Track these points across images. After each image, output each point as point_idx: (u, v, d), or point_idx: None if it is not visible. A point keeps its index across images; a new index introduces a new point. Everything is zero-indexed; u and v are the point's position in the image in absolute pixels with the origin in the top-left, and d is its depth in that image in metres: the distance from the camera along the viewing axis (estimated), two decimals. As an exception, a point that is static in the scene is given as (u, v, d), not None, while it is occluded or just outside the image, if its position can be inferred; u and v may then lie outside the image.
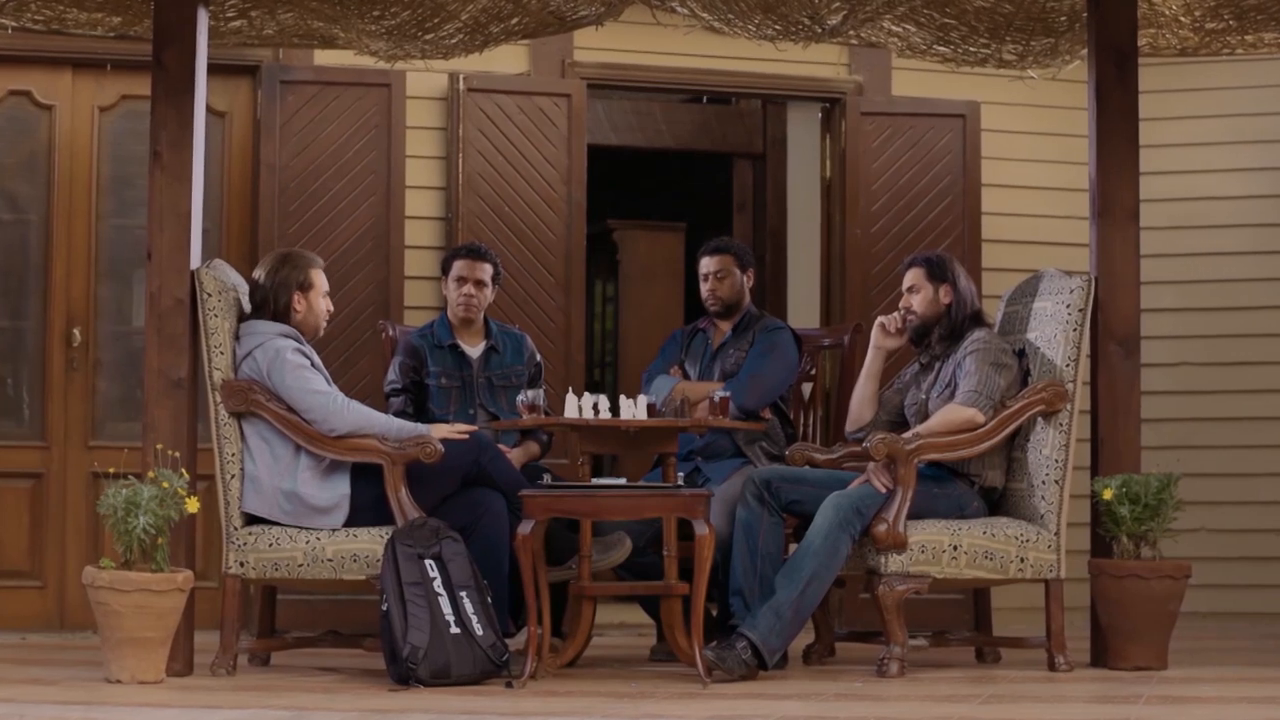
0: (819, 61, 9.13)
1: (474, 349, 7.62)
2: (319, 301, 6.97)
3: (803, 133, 10.75)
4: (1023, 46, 7.96)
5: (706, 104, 11.62)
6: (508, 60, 8.81)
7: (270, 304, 6.90)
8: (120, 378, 8.49)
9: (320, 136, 8.60)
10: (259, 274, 6.97)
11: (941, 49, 8.03)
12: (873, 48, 8.37)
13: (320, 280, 6.99)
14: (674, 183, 12.78)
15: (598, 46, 8.89)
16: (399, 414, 7.29)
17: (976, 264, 8.96)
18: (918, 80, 9.22)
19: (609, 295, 12.27)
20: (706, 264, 7.72)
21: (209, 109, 8.42)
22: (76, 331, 8.49)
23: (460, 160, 8.68)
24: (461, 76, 8.66)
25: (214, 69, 8.12)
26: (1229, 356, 9.44)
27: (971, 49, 8.01)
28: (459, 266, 7.59)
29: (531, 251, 8.76)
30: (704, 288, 7.73)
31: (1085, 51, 7.63)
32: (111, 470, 6.47)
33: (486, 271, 7.59)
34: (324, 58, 8.59)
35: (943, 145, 9.24)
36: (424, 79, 8.65)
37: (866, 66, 9.23)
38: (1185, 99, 9.47)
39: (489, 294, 7.63)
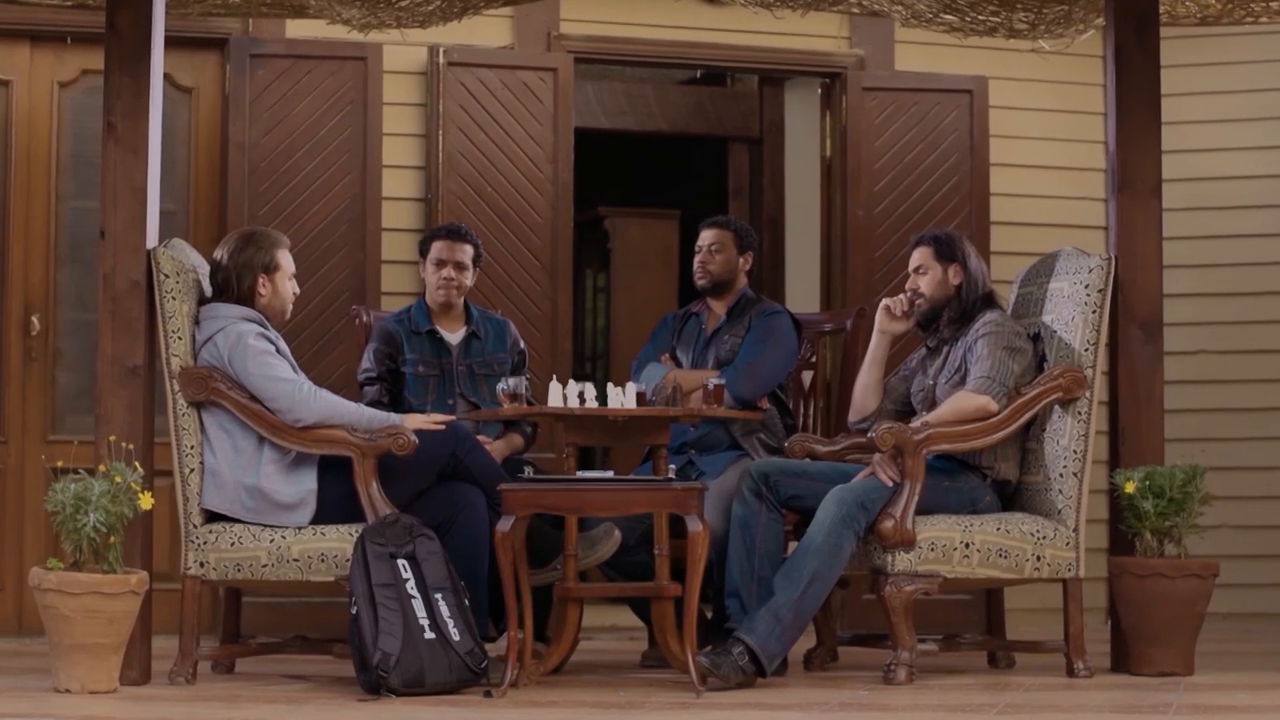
0: (818, 35, 8.83)
1: (454, 335, 7.26)
2: (285, 284, 6.63)
3: (800, 115, 10.52)
4: (1034, 14, 7.67)
5: (701, 86, 11.41)
6: (490, 32, 8.48)
7: (233, 287, 6.57)
8: (81, 368, 8.11)
9: (292, 113, 8.25)
10: (221, 254, 6.63)
11: (948, 17, 7.74)
12: (875, 17, 8.09)
13: (286, 261, 6.65)
14: (667, 168, 12.51)
15: (586, 19, 8.59)
16: (373, 404, 6.97)
17: (985, 247, 8.63)
18: (922, 54, 8.89)
19: (600, 285, 12.01)
20: (703, 237, 7.44)
21: (175, 84, 8.20)
22: (35, 319, 8.14)
23: (440, 138, 8.33)
24: (441, 49, 8.32)
25: (180, 42, 7.94)
26: (1250, 344, 9.13)
27: (980, 17, 7.73)
28: (438, 248, 7.24)
29: (516, 234, 8.42)
30: (696, 261, 7.42)
31: (1099, 20, 7.40)
32: (60, 464, 6.15)
33: (467, 253, 7.25)
34: (296, 30, 8.25)
35: (949, 122, 8.91)
36: (402, 52, 8.31)
37: (868, 39, 8.91)
38: (1203, 74, 9.16)
39: (470, 277, 7.29)
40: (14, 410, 8.11)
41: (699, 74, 11.20)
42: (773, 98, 10.89)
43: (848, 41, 8.92)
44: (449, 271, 7.20)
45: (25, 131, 8.18)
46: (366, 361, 7.22)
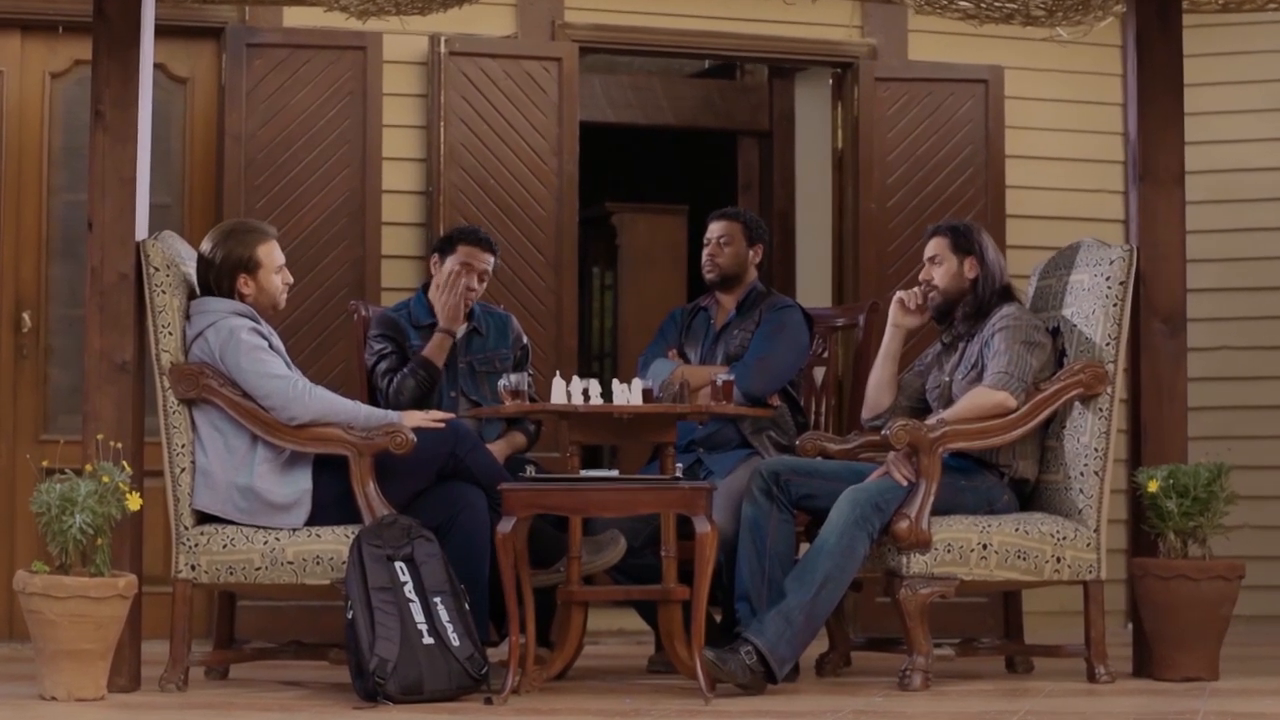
0: (830, 24, 8.68)
1: (455, 331, 7.07)
2: (270, 279, 6.44)
3: (811, 107, 10.38)
4: (1052, 0, 7.44)
5: (709, 79, 11.26)
6: (493, 21, 8.30)
7: (214, 286, 6.40)
8: (74, 365, 7.90)
9: (290, 104, 8.06)
10: (205, 248, 6.46)
11: (963, 4, 7.51)
12: (888, 4, 7.89)
13: (270, 257, 6.45)
14: (675, 163, 12.36)
15: (590, 7, 8.43)
16: (401, 384, 6.76)
17: (1000, 240, 8.44)
18: (936, 43, 8.71)
19: (608, 283, 11.83)
20: (711, 229, 7.25)
21: (170, 75, 8.05)
22: (26, 316, 7.95)
23: (442, 129, 8.14)
24: (443, 39, 8.15)
25: (175, 31, 7.82)
26: (1273, 339, 8.95)
27: (996, 3, 7.49)
28: (465, 252, 6.99)
29: (520, 228, 8.24)
30: (704, 254, 7.24)
31: (1119, 7, 7.20)
32: (46, 463, 5.99)
33: (490, 264, 7.07)
34: (293, 18, 8.07)
35: (963, 113, 8.73)
36: (402, 41, 8.11)
37: (881, 28, 8.72)
38: (1223, 63, 8.99)
39: (483, 288, 7.09)
40: (5, 409, 7.93)
41: (707, 65, 11.04)
42: (782, 90, 10.75)
43: (860, 30, 8.74)
44: (472, 280, 7.00)
45: (16, 123, 7.99)
46: (377, 345, 6.93)
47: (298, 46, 8.07)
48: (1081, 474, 6.40)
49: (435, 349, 6.87)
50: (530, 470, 6.28)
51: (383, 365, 6.92)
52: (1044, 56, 8.64)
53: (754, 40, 8.70)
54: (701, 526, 5.95)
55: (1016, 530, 6.31)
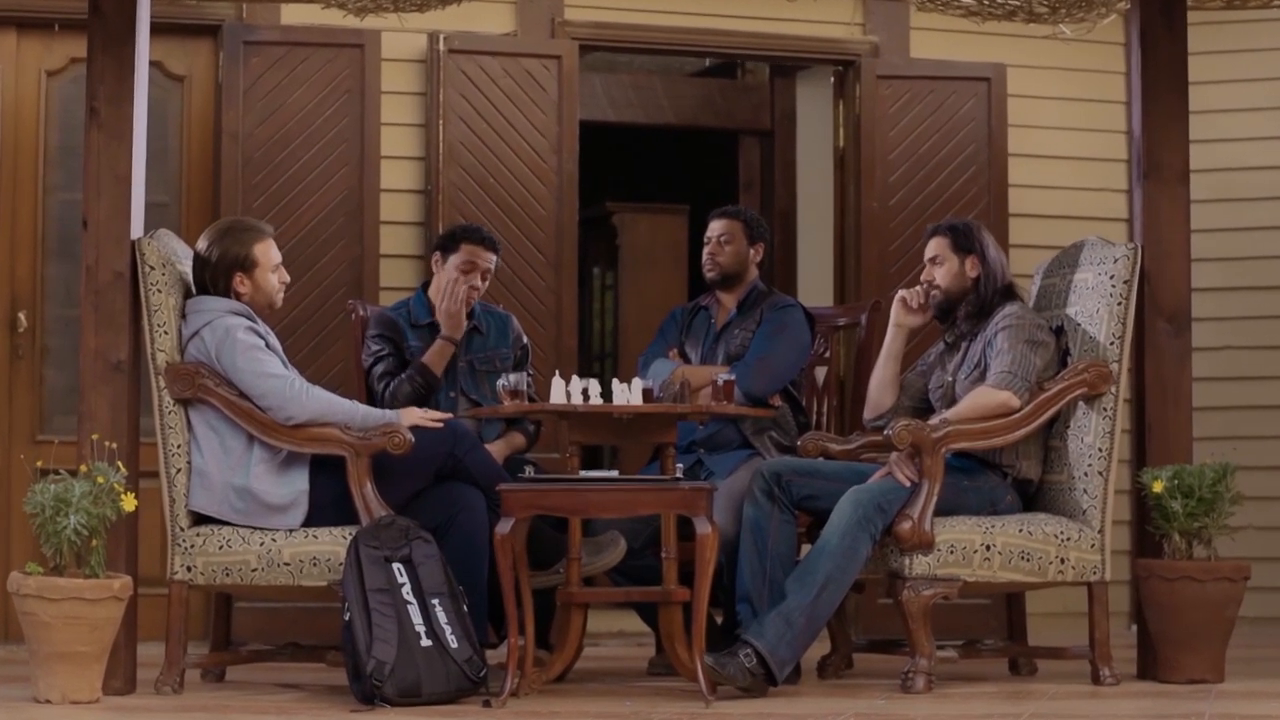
0: (831, 21, 8.64)
1: (454, 330, 7.01)
2: (267, 278, 6.38)
3: (812, 106, 10.35)
4: (1056, -4, 7.40)
5: (710, 78, 11.21)
6: (492, 19, 8.26)
7: (210, 286, 6.34)
8: (70, 366, 7.83)
9: (288, 102, 8.02)
10: (201, 247, 6.40)
11: (966, 1, 7.45)
12: (890, 1, 7.81)
13: (267, 256, 6.39)
14: (676, 162, 12.30)
15: (591, 4, 8.39)
16: (397, 389, 6.72)
17: (1003, 239, 8.36)
18: (938, 41, 8.66)
19: (608, 283, 11.78)
20: (712, 228, 7.19)
21: (167, 73, 8.01)
22: (22, 316, 7.90)
23: (441, 128, 8.09)
24: (442, 36, 8.10)
25: (172, 29, 7.79)
26: (1277, 339, 8.89)
27: (999, 1, 7.43)
28: (469, 251, 6.95)
29: (520, 228, 8.19)
30: (704, 253, 7.18)
31: (1122, 3, 7.16)
32: (40, 464, 5.96)
33: (493, 262, 7.03)
34: (291, 15, 8.02)
35: (966, 111, 8.68)
36: (401, 39, 8.07)
37: (883, 26, 8.67)
38: (1227, 61, 8.93)
39: (485, 287, 7.05)
40: (0, 409, 7.87)
41: (708, 63, 11.00)
42: (784, 89, 10.72)
43: (861, 28, 8.70)
44: (475, 279, 6.95)
45: (12, 122, 7.94)
46: (374, 345, 6.89)
47: (295, 44, 8.02)
48: (1085, 474, 6.35)
49: (436, 356, 6.82)
50: (529, 471, 6.24)
51: (379, 368, 6.86)
52: (1047, 54, 8.60)
53: (755, 38, 8.66)
54: (702, 527, 5.91)
55: (1020, 531, 6.26)
